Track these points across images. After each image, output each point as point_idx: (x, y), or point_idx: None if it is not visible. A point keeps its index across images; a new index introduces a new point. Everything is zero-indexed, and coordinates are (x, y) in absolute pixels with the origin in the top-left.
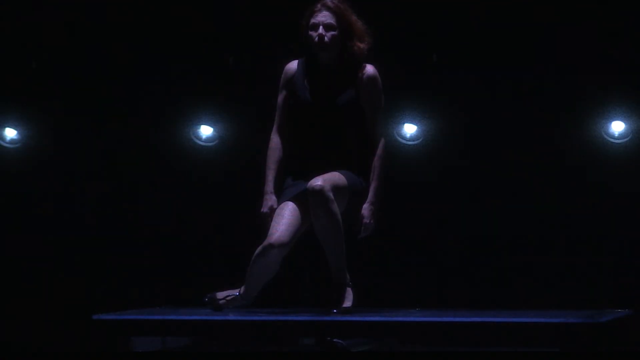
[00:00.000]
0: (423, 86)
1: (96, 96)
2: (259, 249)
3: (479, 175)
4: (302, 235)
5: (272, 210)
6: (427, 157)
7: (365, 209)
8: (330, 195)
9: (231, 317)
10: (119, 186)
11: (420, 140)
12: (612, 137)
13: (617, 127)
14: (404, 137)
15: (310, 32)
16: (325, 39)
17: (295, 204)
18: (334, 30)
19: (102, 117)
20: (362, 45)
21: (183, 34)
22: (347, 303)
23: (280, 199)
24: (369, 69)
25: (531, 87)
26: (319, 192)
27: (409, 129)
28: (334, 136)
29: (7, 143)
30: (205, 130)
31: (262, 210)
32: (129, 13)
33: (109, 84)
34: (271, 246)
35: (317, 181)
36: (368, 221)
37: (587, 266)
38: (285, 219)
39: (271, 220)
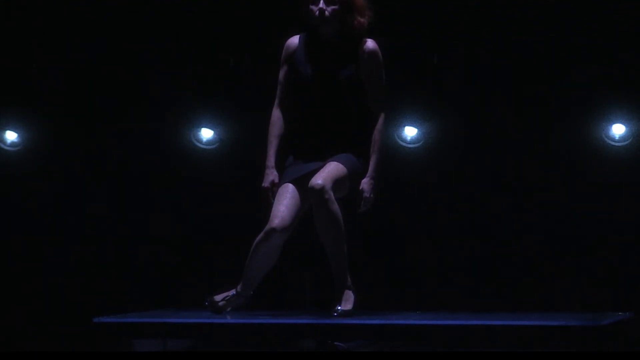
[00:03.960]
0: (424, 88)
1: (97, 98)
2: (261, 234)
3: (479, 178)
4: (303, 217)
5: (273, 184)
6: (428, 159)
7: (365, 182)
8: (332, 195)
9: (232, 319)
10: (120, 188)
11: (421, 143)
12: (613, 139)
13: (618, 129)
14: (404, 140)
15: (311, 6)
16: (326, 12)
17: (295, 185)
18: (335, 5)
19: (102, 119)
20: (362, 20)
21: (183, 35)
22: (348, 305)
23: (281, 180)
24: (370, 43)
25: (531, 89)
26: (320, 192)
27: (410, 132)
28: (335, 111)
29: (7, 146)
30: (206, 133)
31: (262, 185)
32: (129, 14)
33: (110, 86)
34: (274, 230)
35: (318, 180)
36: (368, 195)
37: (588, 269)
38: (286, 200)
39: (272, 196)
